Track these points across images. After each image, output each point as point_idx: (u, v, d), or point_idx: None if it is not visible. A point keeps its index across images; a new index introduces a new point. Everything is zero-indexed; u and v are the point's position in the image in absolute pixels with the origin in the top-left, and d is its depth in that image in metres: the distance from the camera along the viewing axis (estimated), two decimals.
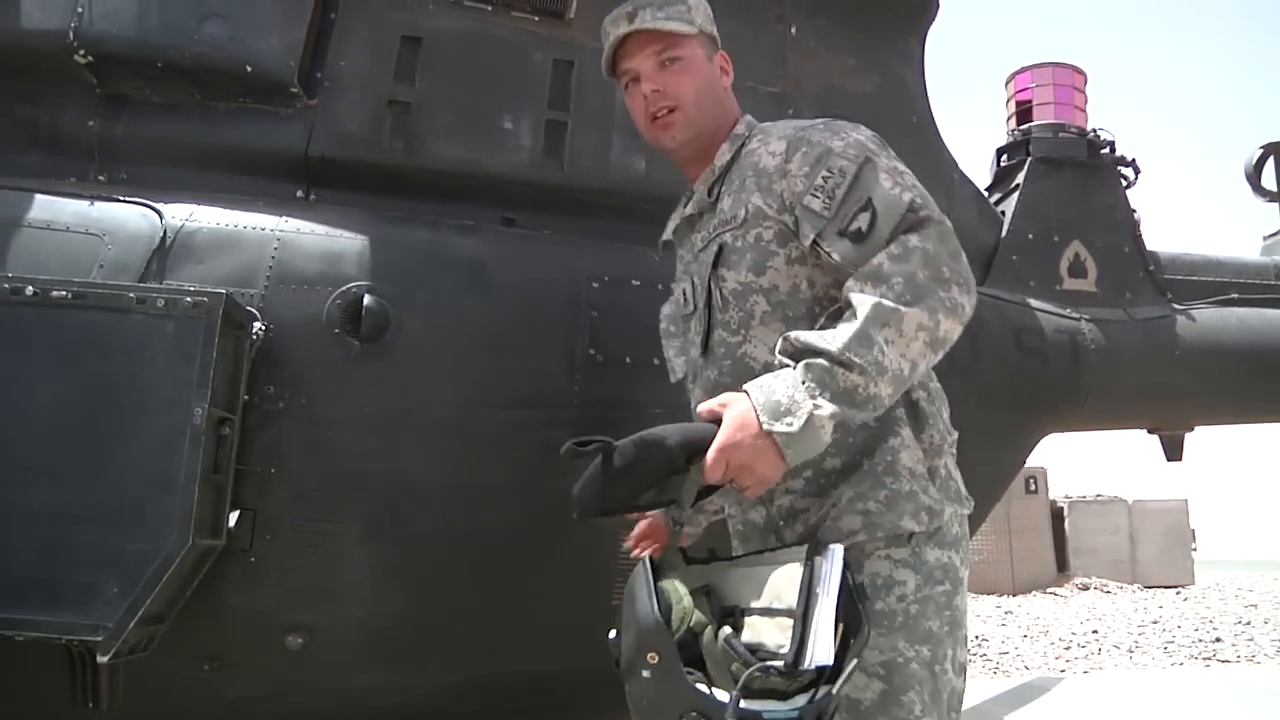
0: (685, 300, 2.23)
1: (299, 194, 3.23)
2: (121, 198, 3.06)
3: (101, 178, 3.22)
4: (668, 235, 2.37)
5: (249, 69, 3.18)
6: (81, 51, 3.12)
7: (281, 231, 3.04)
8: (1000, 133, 5.24)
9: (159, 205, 3.04)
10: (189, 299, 2.57)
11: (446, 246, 3.16)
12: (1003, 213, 4.60)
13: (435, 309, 3.03)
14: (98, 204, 3.04)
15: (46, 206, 3.01)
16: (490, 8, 3.45)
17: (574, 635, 3.04)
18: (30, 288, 2.55)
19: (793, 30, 3.83)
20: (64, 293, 2.56)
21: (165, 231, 2.98)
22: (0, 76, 3.23)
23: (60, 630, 2.46)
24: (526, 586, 3.14)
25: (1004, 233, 4.48)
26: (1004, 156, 5.02)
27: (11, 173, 3.16)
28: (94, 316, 2.56)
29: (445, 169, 3.30)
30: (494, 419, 3.05)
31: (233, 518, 2.71)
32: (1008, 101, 5.21)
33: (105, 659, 2.45)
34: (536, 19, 3.49)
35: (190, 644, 2.79)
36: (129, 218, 3.01)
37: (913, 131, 4.02)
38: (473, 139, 3.32)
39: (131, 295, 2.59)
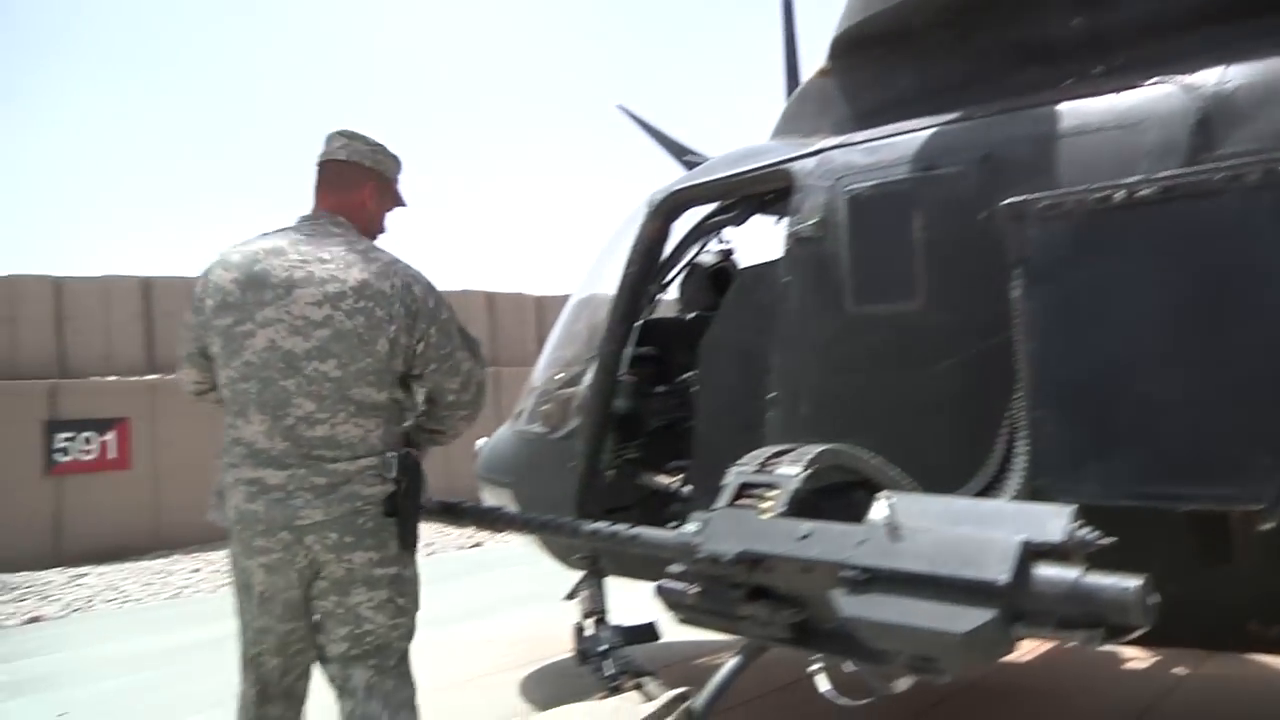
0: None
1: None
2: (1139, 83, 3.04)
3: (1098, 71, 3.25)
4: None
5: None
6: None
7: None
8: None
9: (1181, 79, 2.95)
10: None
11: None
12: None
13: None
14: (1116, 96, 3.06)
15: (1070, 113, 3.13)
16: None
17: None
18: (1118, 193, 2.64)
19: None
20: (1149, 190, 2.60)
21: (1198, 102, 2.88)
22: (987, 10, 3.47)
23: (1218, 502, 2.57)
24: None
25: None
26: None
27: (1014, 93, 3.37)
28: (1184, 206, 2.56)
29: None
30: None
31: None
32: None
33: (1268, 525, 2.46)
34: None
35: None
36: (1154, 100, 2.98)
37: None
38: None
39: (1220, 175, 2.53)
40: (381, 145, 3.08)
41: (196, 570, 10.37)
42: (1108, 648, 4.75)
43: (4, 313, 12.30)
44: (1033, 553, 1.95)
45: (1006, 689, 4.60)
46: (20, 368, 12.18)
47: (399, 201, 3.17)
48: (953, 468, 3.04)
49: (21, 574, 10.49)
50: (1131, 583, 1.79)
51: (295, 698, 2.94)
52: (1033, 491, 2.79)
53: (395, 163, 3.13)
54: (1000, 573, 1.90)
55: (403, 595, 2.85)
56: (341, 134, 3.05)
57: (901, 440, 3.16)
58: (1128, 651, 4.86)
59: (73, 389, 11.85)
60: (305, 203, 3.03)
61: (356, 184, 3.02)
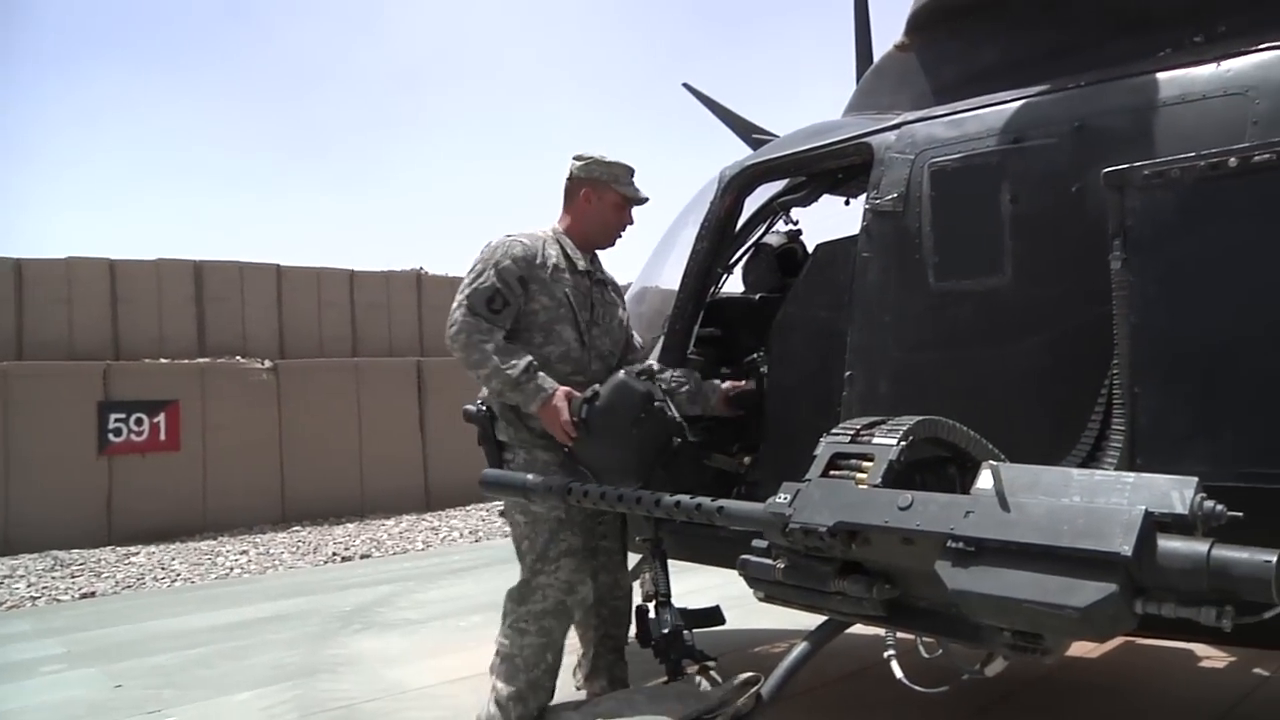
0: (571, 308, 3.69)
1: None
2: (1248, 49, 2.92)
3: (1198, 39, 3.13)
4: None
5: None
6: None
7: None
8: None
9: None
10: None
11: None
12: None
13: None
14: (1221, 64, 2.94)
15: (1170, 82, 3.01)
16: None
17: None
18: (1232, 159, 2.53)
19: None
20: (1268, 155, 2.48)
21: None
22: None
23: None
24: None
25: None
26: None
27: (1106, 63, 3.25)
28: None
29: None
30: None
31: None
32: None
33: None
34: None
35: None
36: (1267, 65, 2.85)
37: None
38: None
39: None
40: (595, 158, 3.77)
41: (244, 552, 10.42)
42: (1180, 645, 4.63)
43: (61, 294, 12.43)
44: (1156, 524, 1.85)
45: (1075, 686, 4.47)
46: (77, 349, 12.32)
47: (629, 199, 3.79)
48: (1040, 447, 2.93)
49: (75, 551, 10.61)
50: (1271, 555, 1.69)
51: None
52: (1131, 470, 2.68)
53: (610, 168, 3.76)
54: (1123, 544, 1.80)
55: (513, 521, 3.70)
56: (573, 156, 3.81)
57: (986, 418, 3.05)
58: (1201, 650, 4.71)
59: (126, 370, 11.94)
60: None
61: (576, 192, 3.80)
